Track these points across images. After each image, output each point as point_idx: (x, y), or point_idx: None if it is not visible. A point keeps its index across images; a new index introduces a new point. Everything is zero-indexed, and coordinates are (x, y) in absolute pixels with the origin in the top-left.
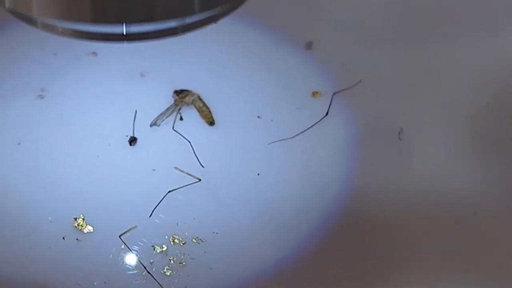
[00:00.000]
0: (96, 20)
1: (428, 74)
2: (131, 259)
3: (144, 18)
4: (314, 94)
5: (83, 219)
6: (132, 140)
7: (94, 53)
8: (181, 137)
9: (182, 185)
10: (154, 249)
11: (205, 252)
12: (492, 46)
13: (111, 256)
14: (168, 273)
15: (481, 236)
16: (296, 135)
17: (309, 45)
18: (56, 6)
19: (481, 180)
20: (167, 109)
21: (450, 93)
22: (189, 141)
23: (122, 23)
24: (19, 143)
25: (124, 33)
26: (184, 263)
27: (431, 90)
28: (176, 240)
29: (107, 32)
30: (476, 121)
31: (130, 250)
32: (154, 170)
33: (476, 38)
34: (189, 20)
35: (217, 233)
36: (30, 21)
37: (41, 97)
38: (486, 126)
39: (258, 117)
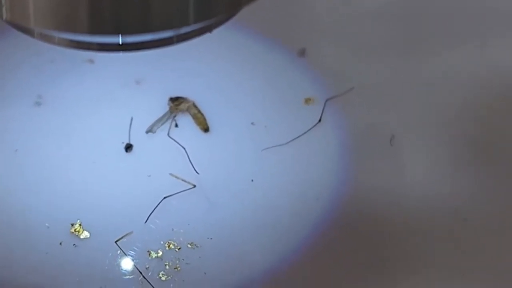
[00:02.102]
0: (92, 31)
1: (420, 81)
2: (127, 264)
3: (140, 29)
4: (307, 101)
5: (80, 224)
6: (128, 147)
7: (91, 61)
8: (176, 143)
9: (177, 191)
10: (149, 255)
11: (200, 257)
12: (482, 55)
13: (107, 261)
14: (163, 278)
15: (472, 241)
16: (289, 142)
17: (302, 52)
18: (53, 17)
19: (472, 186)
20: (163, 116)
21: (441, 100)
22: (184, 148)
23: (119, 34)
24: (16, 150)
25: (120, 43)
26: (179, 268)
27: (422, 97)
28: (171, 246)
29: (103, 42)
30: (466, 128)
31: (126, 255)
32: (150, 176)
33: (467, 47)
34: (184, 30)
35: (211, 238)
36: (27, 31)
37: (38, 104)
38: (477, 133)
39: (252, 123)
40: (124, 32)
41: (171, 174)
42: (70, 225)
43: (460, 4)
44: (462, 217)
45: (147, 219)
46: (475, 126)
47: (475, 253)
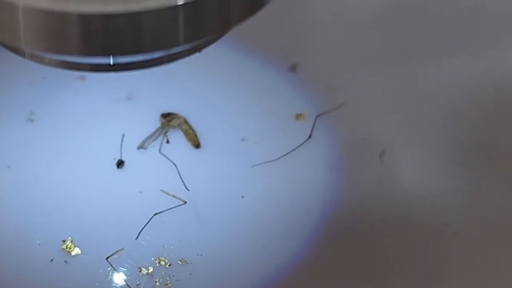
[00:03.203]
0: (83, 53)
1: (410, 94)
2: (118, 280)
3: (131, 50)
4: (298, 116)
5: (71, 241)
6: (120, 163)
7: (83, 77)
8: (168, 160)
9: (168, 208)
10: (140, 271)
11: (190, 273)
12: (475, 65)
13: (98, 277)
14: None
15: (462, 253)
16: (280, 158)
17: (293, 68)
18: (43, 39)
19: (465, 204)
20: (154, 132)
21: (433, 113)
22: (175, 164)
23: (109, 55)
24: (8, 166)
25: (111, 63)
26: (169, 285)
27: (413, 111)
28: (162, 262)
29: (94, 63)
30: (459, 141)
31: (117, 272)
32: (141, 192)
33: (459, 58)
34: (174, 50)
35: (202, 255)
36: (18, 51)
37: (31, 120)
38: (469, 145)
39: (243, 139)
40: (115, 54)
41: (162, 191)
42: (62, 242)
43: (450, 15)
44: (452, 230)
45: (138, 235)
46: (468, 138)
47: (466, 264)
